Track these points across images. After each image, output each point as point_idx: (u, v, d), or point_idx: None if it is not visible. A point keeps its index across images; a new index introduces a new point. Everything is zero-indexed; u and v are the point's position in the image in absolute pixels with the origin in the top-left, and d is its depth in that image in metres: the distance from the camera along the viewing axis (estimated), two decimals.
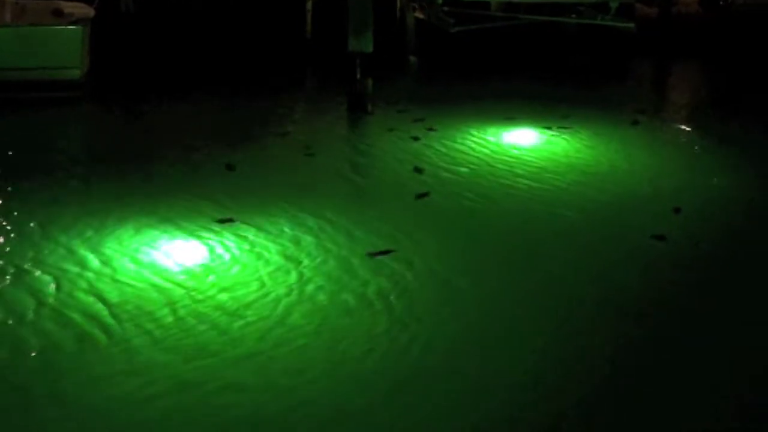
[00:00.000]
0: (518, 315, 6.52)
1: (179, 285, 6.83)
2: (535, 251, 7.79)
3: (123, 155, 10.79)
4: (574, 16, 18.39)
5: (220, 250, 7.60)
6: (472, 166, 10.44)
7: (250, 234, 7.94)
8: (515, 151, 11.09)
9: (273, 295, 6.68)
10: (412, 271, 7.20)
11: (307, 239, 7.83)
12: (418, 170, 10.16)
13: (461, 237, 8.17)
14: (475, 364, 5.79)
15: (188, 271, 7.10)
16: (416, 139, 11.60)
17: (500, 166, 10.45)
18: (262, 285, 6.86)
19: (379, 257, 7.44)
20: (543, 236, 8.19)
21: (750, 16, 19.78)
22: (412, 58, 18.02)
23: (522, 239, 8.12)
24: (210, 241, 7.78)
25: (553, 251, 7.79)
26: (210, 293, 6.68)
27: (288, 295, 6.69)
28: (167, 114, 13.65)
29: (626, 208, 9.12)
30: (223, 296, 6.63)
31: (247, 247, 7.66)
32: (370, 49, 13.15)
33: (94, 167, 10.25)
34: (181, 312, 6.36)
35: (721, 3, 20.28)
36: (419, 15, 17.89)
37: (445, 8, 17.20)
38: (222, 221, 8.22)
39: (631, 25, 17.83)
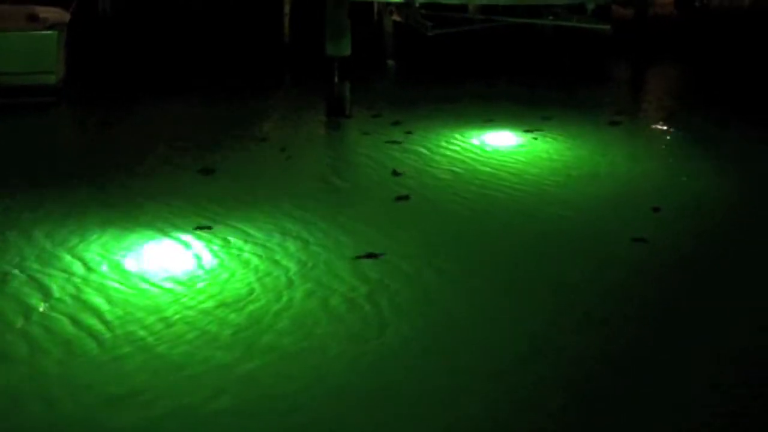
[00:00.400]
0: (508, 318, 6.53)
1: (168, 292, 6.78)
2: (521, 252, 7.83)
3: (101, 161, 10.73)
4: (551, 18, 18.44)
5: (207, 256, 7.55)
6: (452, 169, 10.44)
7: (237, 239, 7.89)
8: (496, 154, 11.09)
9: (264, 301, 6.63)
10: (402, 274, 7.19)
11: (294, 244, 7.80)
12: (397, 173, 10.14)
13: (445, 239, 8.16)
14: (468, 366, 5.78)
15: (176, 278, 7.05)
16: (395, 142, 11.61)
17: (481, 168, 10.44)
18: (252, 291, 6.81)
19: (368, 260, 7.43)
20: (529, 238, 8.20)
21: (724, 17, 19.91)
22: (390, 62, 18.02)
23: (508, 240, 8.13)
24: (196, 247, 7.74)
25: (542, 252, 7.82)
26: (199, 299, 6.64)
27: (278, 300, 6.64)
28: (144, 119, 13.57)
29: (610, 208, 9.13)
30: (212, 303, 6.59)
31: (235, 252, 7.61)
32: (347, 52, 13.13)
33: (73, 173, 10.13)
34: (171, 319, 6.30)
35: (696, 4, 20.41)
36: (397, 18, 17.88)
37: (423, 11, 17.18)
38: (203, 227, 8.16)
39: (608, 26, 17.89)
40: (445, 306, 6.70)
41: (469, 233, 8.30)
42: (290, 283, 6.96)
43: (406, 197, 9.28)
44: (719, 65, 18.33)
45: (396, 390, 5.44)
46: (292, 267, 7.27)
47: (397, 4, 17.53)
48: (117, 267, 7.24)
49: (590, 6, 17.74)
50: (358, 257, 7.48)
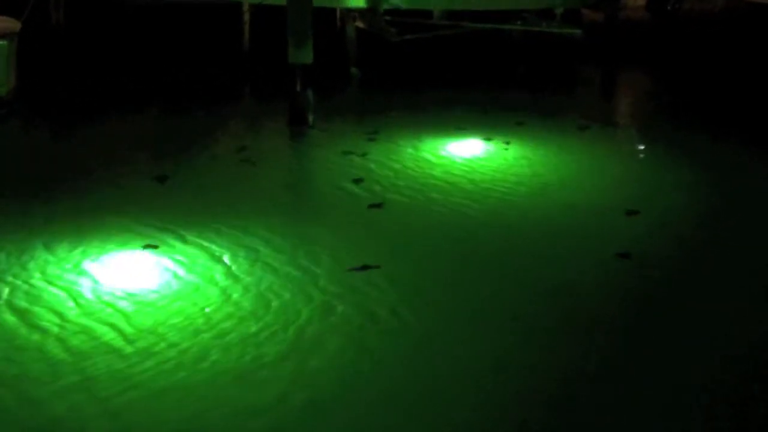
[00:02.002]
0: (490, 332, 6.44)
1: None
2: (494, 262, 7.71)
3: (52, 174, 10.28)
4: (519, 23, 18.14)
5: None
6: (421, 178, 10.13)
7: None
8: (467, 162, 10.80)
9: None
10: (396, 287, 7.07)
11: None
12: (360, 181, 9.87)
13: (416, 248, 8.01)
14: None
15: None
16: (361, 151, 11.27)
17: (452, 177, 10.15)
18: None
19: (375, 270, 7.33)
20: (503, 246, 8.08)
21: (696, 21, 19.81)
22: (354, 69, 17.62)
23: (495, 244, 8.08)
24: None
25: (514, 263, 7.67)
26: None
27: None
28: (98, 131, 13.11)
29: (588, 217, 8.97)
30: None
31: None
32: (310, 60, 12.73)
33: (23, 187, 9.69)
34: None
35: (668, 8, 20.25)
36: (360, 25, 17.49)
37: (387, 18, 16.81)
38: (150, 246, 7.83)
39: (578, 31, 17.63)
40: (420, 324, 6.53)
41: (447, 245, 8.10)
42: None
43: (378, 205, 9.07)
44: (690, 70, 18.18)
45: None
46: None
47: (360, 11, 17.15)
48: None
49: (559, 11, 17.49)
50: (352, 269, 7.33)
